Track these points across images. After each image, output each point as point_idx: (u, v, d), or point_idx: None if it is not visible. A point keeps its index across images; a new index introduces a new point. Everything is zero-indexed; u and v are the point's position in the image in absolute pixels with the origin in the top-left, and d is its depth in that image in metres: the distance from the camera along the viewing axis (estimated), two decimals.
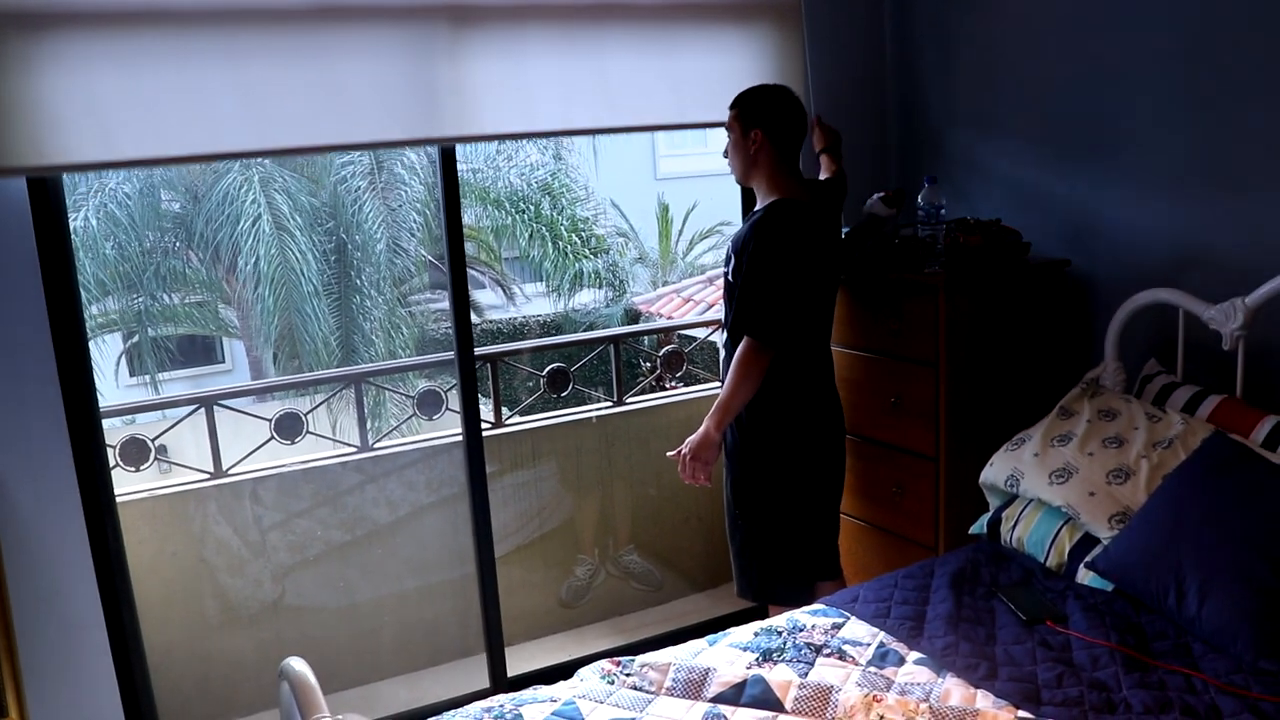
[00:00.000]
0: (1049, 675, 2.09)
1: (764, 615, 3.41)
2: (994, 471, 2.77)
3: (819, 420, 2.97)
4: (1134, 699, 1.99)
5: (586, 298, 12.56)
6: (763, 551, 3.02)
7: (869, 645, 2.23)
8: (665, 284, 12.76)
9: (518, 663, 3.58)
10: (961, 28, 3.45)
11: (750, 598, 3.18)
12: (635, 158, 14.56)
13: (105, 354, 10.35)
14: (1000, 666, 2.14)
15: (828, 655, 2.20)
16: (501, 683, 3.49)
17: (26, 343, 2.60)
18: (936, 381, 2.92)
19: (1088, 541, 2.52)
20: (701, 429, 2.87)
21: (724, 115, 2.97)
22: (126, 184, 9.96)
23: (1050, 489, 2.59)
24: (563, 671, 3.58)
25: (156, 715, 2.99)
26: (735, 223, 2.90)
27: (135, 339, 10.51)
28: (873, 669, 2.14)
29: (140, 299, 10.17)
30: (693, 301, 9.37)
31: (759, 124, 2.85)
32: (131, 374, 10.97)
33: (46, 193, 2.61)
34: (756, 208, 2.90)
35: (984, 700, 2.00)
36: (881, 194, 3.15)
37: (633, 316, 12.01)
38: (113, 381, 10.66)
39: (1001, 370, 3.04)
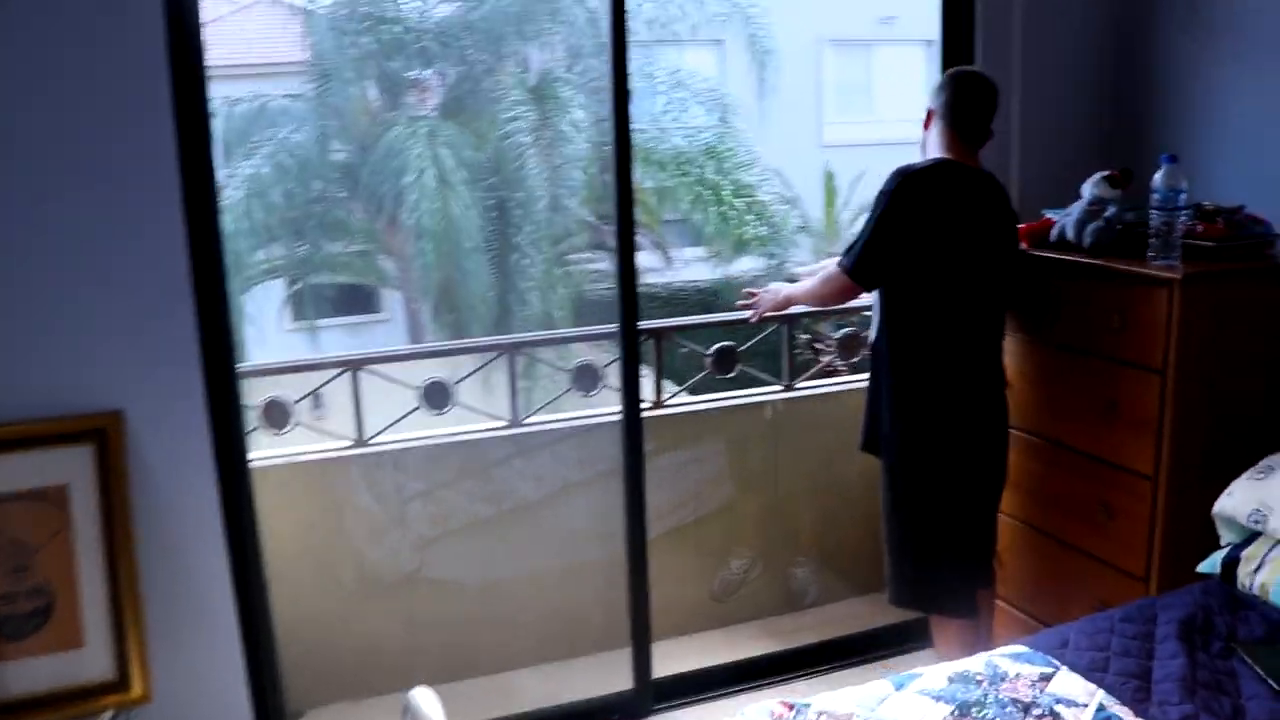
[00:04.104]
0: None
1: (924, 626, 3.19)
2: (1234, 502, 2.36)
3: (980, 413, 2.79)
4: None
5: (747, 265, 12.26)
6: (924, 557, 2.82)
7: (1086, 707, 1.89)
8: (829, 255, 12.32)
9: (663, 660, 3.31)
10: None
11: (908, 606, 3.01)
12: (800, 123, 14.13)
13: (267, 300, 10.49)
14: None
15: (1039, 717, 1.86)
16: (646, 683, 3.23)
17: (167, 297, 2.44)
18: (1162, 390, 2.51)
19: None
20: (780, 295, 3.09)
21: None
22: (298, 133, 10.06)
23: None
24: (713, 677, 3.37)
25: (282, 693, 2.84)
26: None
27: (298, 285, 10.65)
28: None
29: (304, 246, 10.27)
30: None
31: (931, 104, 2.81)
32: (294, 319, 11.14)
33: (192, 125, 2.45)
34: None
35: None
36: (1106, 173, 2.77)
37: None
38: (275, 326, 10.83)
39: (1243, 382, 2.62)
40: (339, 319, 11.60)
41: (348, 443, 3.29)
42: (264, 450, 3.14)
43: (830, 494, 3.86)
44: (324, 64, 10.00)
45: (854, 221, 12.87)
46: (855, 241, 2.72)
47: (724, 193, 11.48)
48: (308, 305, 10.62)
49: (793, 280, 3.23)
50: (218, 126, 9.79)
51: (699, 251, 12.51)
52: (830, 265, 2.84)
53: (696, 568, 3.79)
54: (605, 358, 3.51)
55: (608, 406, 3.48)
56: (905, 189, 2.65)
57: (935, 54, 3.40)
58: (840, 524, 3.87)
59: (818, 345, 8.96)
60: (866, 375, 3.87)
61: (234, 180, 9.59)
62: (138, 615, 2.42)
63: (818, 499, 3.88)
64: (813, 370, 3.99)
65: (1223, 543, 2.42)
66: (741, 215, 11.54)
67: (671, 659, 3.38)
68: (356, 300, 12.53)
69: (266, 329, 10.30)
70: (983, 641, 2.93)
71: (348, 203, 10.59)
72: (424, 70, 10.63)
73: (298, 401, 3.13)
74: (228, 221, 9.19)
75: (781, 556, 3.89)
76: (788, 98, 12.20)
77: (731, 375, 3.63)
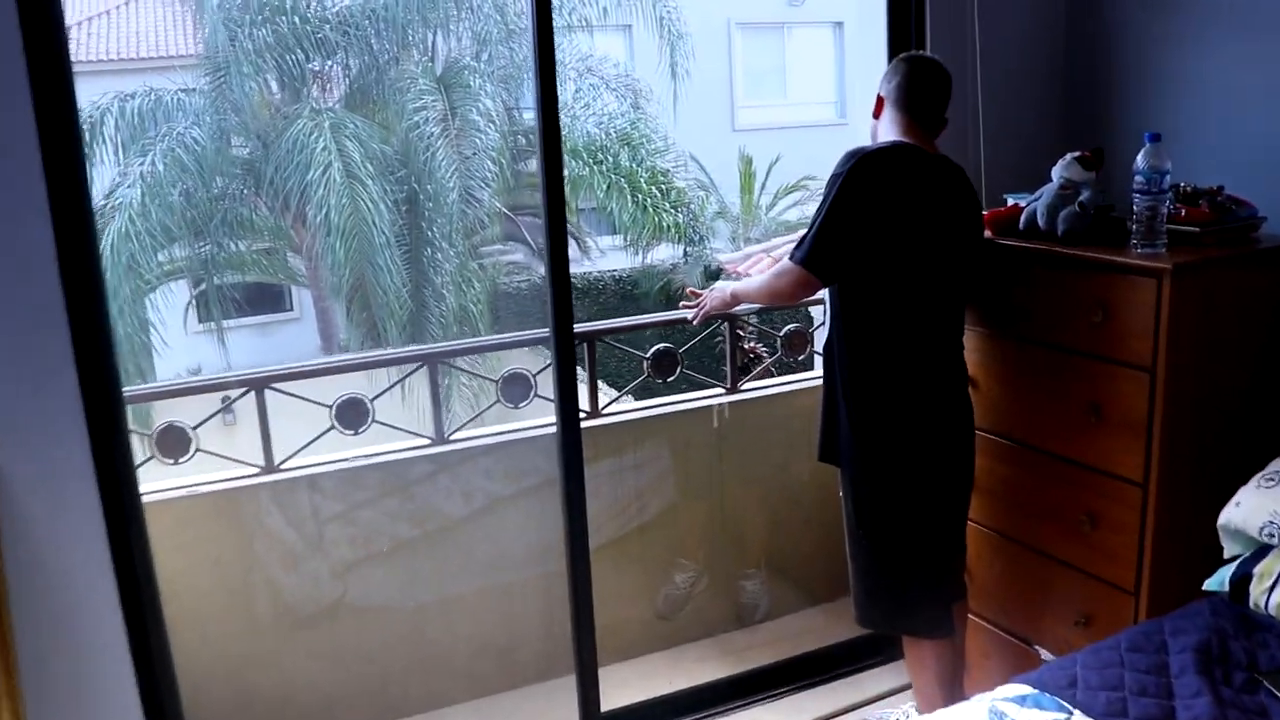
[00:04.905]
0: None
1: (893, 643, 3.04)
2: (1243, 513, 2.15)
3: (945, 414, 2.58)
4: None
5: (665, 253, 12.07)
6: (894, 575, 2.61)
7: None
8: (748, 240, 12.15)
9: (608, 688, 3.05)
10: None
11: (880, 628, 2.84)
12: (713, 108, 13.97)
13: (171, 302, 10.05)
14: None
15: None
16: (595, 717, 2.98)
17: (36, 321, 2.11)
18: (1152, 389, 2.31)
19: None
20: (726, 293, 2.80)
21: None
22: (195, 129, 9.61)
23: None
24: (666, 707, 3.12)
25: None
26: (822, 177, 2.57)
27: (202, 286, 10.23)
28: None
29: (207, 246, 9.84)
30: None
31: (880, 91, 2.60)
32: (200, 320, 10.70)
33: (57, 123, 2.11)
34: None
35: None
36: (1076, 154, 2.56)
37: (713, 275, 11.44)
38: (180, 329, 10.37)
39: (1233, 379, 2.44)
40: (248, 319, 11.21)
41: (255, 470, 2.98)
42: (160, 483, 2.83)
43: (779, 500, 3.64)
44: (218, 57, 9.55)
45: (773, 207, 12.75)
46: (808, 231, 2.47)
47: (639, 180, 11.23)
48: (214, 307, 10.18)
49: (717, 272, 3.00)
50: (110, 123, 9.43)
51: (615, 240, 12.29)
52: (781, 259, 2.60)
53: (638, 583, 3.55)
54: (535, 363, 3.25)
55: (539, 415, 3.22)
56: (861, 171, 2.41)
57: (844, 36, 3.21)
58: (791, 531, 3.66)
59: (740, 332, 8.78)
60: (810, 374, 3.72)
61: (128, 179, 9.12)
62: (12, 687, 2.10)
63: (766, 506, 3.65)
64: (757, 370, 3.77)
65: (1226, 555, 2.22)
66: (658, 202, 11.30)
67: (617, 686, 3.14)
68: (265, 299, 12.18)
69: (171, 333, 9.85)
70: (958, 659, 2.74)
71: (251, 200, 10.17)
72: (326, 61, 10.24)
73: (196, 427, 2.81)
74: (123, 221, 8.84)
75: (729, 568, 3.65)
76: (700, 82, 11.99)
77: (672, 379, 3.39)
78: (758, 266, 2.92)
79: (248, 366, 3.04)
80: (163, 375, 9.79)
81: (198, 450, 2.82)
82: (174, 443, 2.78)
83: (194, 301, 10.76)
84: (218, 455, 2.91)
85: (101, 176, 9.24)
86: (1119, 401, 2.39)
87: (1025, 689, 1.89)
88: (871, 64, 2.98)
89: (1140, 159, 2.32)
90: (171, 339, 9.89)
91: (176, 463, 2.80)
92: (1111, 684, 1.88)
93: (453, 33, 10.66)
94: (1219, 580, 2.17)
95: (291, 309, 12.70)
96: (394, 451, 3.19)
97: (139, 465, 2.58)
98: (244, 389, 2.89)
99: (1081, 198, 2.52)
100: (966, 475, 2.68)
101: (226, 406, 2.94)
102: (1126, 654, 1.97)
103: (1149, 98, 2.94)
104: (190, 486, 2.90)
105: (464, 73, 10.26)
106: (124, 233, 8.76)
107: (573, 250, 12.23)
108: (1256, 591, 2.08)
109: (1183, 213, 2.42)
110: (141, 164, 9.26)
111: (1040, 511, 2.67)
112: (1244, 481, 2.24)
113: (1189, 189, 2.50)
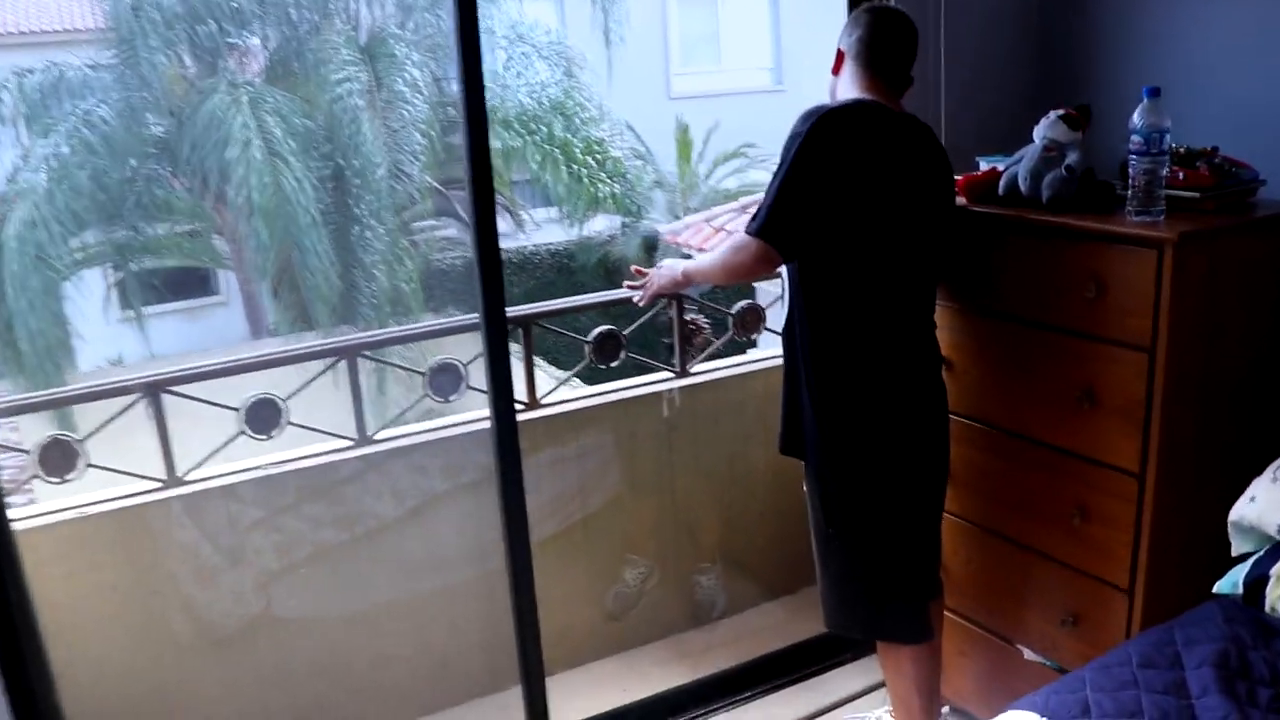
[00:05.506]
0: None
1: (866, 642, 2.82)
2: (1258, 509, 1.94)
3: (918, 399, 2.38)
4: None
5: (602, 225, 11.83)
6: (867, 578, 2.41)
7: None
8: (686, 210, 11.90)
9: (559, 699, 2.81)
10: None
11: (855, 635, 2.67)
12: (648, 75, 13.69)
13: (84, 292, 9.57)
14: None
15: None
16: None
17: None
18: (1150, 371, 2.09)
19: None
20: (677, 272, 2.50)
21: None
22: (103, 105, 9.14)
23: None
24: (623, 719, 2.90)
25: None
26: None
27: (121, 273, 9.79)
28: None
29: (122, 231, 9.40)
30: (725, 232, 8.44)
31: (840, 44, 2.38)
32: (122, 308, 10.29)
33: None
34: None
35: None
36: (1061, 112, 2.32)
37: (651, 246, 11.20)
38: (101, 318, 9.93)
39: (1235, 359, 2.22)
40: (173, 304, 10.81)
41: (155, 485, 2.67)
42: (45, 505, 2.53)
43: (734, 489, 3.41)
44: (122, 29, 9.07)
45: (711, 175, 12.51)
46: (764, 201, 2.23)
47: (574, 150, 10.97)
48: (132, 294, 9.76)
49: (653, 241, 2.73)
50: (8, 102, 8.94)
51: (550, 213, 12.02)
52: (724, 229, 2.37)
53: (587, 582, 3.31)
54: (469, 350, 2.97)
55: (474, 406, 2.96)
56: (821, 131, 2.17)
57: (779, 1, 2.92)
58: (747, 522, 3.43)
59: (685, 305, 8.59)
60: (765, 354, 3.48)
61: (30, 162, 8.66)
62: None
63: (720, 496, 3.41)
64: (708, 349, 3.53)
65: (1234, 553, 2.00)
66: (593, 173, 11.05)
67: (567, 696, 2.91)
68: (190, 284, 11.78)
69: (92, 323, 9.41)
70: (936, 662, 2.53)
71: (168, 180, 9.74)
72: (241, 32, 9.81)
73: (83, 440, 2.50)
74: (28, 209, 8.38)
75: (683, 564, 3.42)
76: (634, 49, 11.74)
77: (615, 364, 3.14)
78: (699, 236, 2.66)
79: (173, 353, 2.72)
80: (84, 368, 9.39)
81: (89, 465, 2.52)
82: (59, 459, 2.47)
83: (113, 289, 10.31)
84: (109, 469, 2.60)
85: (1, 160, 8.79)
86: (1113, 384, 2.16)
87: (1033, 716, 1.66)
88: (807, 30, 2.74)
89: (1137, 116, 2.07)
90: (93, 329, 9.46)
91: (63, 481, 2.49)
92: (1129, 709, 1.65)
93: (375, 1, 10.29)
94: (1231, 582, 1.96)
95: (219, 293, 12.27)
96: (319, 455, 2.90)
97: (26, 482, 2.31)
98: (139, 394, 2.58)
99: (1068, 160, 2.27)
100: (941, 465, 2.46)
101: (120, 414, 2.62)
102: (1139, 671, 1.75)
103: (1131, 49, 2.71)
104: (80, 507, 2.58)
105: (389, 41, 9.92)
106: (29, 220, 8.32)
107: (507, 224, 11.96)
108: (1274, 595, 1.87)
109: (1181, 176, 2.18)
110: (45, 145, 8.81)
111: (1023, 503, 2.45)
112: (1253, 471, 2.04)
113: (1183, 150, 2.27)
